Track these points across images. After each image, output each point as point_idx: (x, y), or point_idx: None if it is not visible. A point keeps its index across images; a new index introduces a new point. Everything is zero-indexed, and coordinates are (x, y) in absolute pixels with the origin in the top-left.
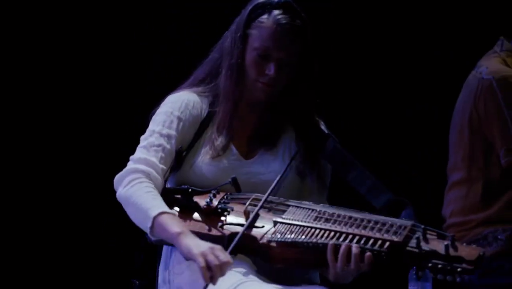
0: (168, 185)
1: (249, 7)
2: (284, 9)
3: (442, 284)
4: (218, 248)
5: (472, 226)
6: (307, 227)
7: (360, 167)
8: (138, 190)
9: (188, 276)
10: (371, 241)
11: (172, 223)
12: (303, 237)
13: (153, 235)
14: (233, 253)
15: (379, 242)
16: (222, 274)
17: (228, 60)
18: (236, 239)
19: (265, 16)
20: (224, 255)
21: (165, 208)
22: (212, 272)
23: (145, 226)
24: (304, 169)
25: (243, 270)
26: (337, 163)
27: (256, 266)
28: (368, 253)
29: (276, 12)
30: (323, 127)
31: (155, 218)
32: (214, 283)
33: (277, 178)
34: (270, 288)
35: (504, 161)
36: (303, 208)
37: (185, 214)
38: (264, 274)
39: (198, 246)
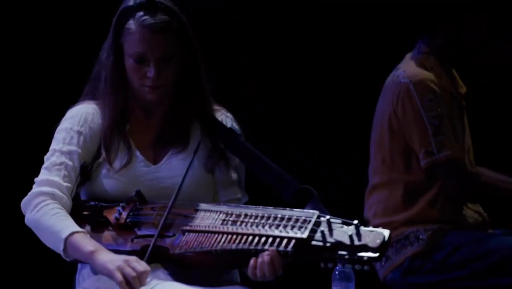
0: (83, 197)
1: (116, 16)
2: (146, 9)
3: (365, 283)
4: (133, 259)
5: (395, 226)
6: (215, 232)
7: (265, 159)
8: (45, 213)
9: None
10: (277, 241)
11: (84, 242)
12: (212, 244)
13: (67, 257)
14: (149, 263)
15: (285, 241)
16: (142, 284)
17: (104, 73)
18: (148, 251)
19: (130, 22)
20: (140, 265)
21: (75, 227)
22: (131, 284)
23: (58, 248)
24: (212, 164)
25: (161, 274)
26: (242, 157)
27: (174, 270)
28: (274, 253)
29: (139, 14)
30: (231, 120)
31: (66, 239)
32: None
33: (180, 184)
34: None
35: (423, 163)
36: (211, 211)
37: (96, 231)
38: (182, 277)
39: (113, 261)
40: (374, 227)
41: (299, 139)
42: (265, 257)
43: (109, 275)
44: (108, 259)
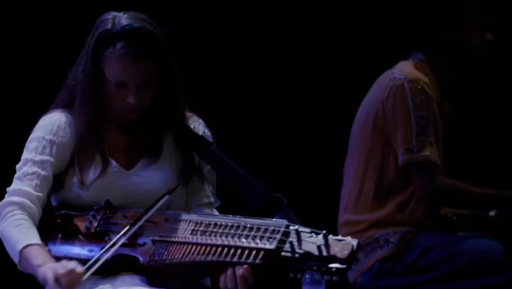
0: (54, 204)
1: (94, 37)
2: (126, 39)
3: (335, 287)
4: (70, 262)
5: (364, 228)
6: (184, 243)
7: (236, 167)
8: (9, 224)
9: None
10: (246, 252)
11: (35, 255)
12: (181, 256)
13: (23, 269)
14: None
15: (254, 252)
16: (72, 281)
17: (81, 86)
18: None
19: (110, 50)
20: (72, 264)
21: (32, 240)
22: (59, 281)
23: (16, 261)
24: (187, 177)
25: (129, 280)
26: (213, 164)
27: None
28: (246, 267)
29: (119, 45)
30: (203, 127)
31: (20, 252)
32: None
33: (159, 201)
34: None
35: (401, 159)
36: (181, 220)
37: (67, 239)
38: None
39: (52, 268)
40: (344, 223)
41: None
42: (236, 270)
43: (44, 279)
44: (48, 266)
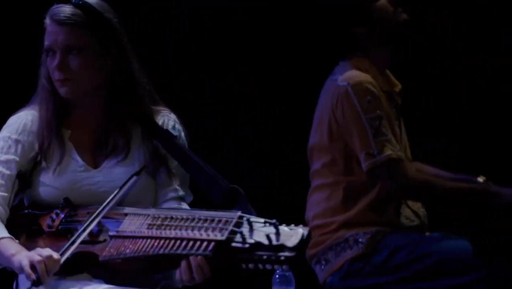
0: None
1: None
2: (58, 2)
3: (305, 287)
4: (45, 249)
5: (334, 228)
6: (139, 238)
7: (198, 161)
8: None
9: None
10: (197, 244)
11: (8, 246)
12: (136, 249)
13: None
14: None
15: (204, 244)
16: (49, 267)
17: (39, 83)
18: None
19: (46, 17)
20: (47, 251)
21: (2, 234)
22: (36, 268)
23: None
24: (153, 169)
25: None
26: (176, 158)
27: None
28: (200, 258)
29: (51, 8)
30: (173, 121)
31: None
32: (42, 279)
33: (115, 193)
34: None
35: (365, 165)
36: (139, 215)
37: (31, 239)
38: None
39: (27, 256)
40: (312, 228)
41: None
42: (191, 262)
43: (19, 266)
44: (23, 254)
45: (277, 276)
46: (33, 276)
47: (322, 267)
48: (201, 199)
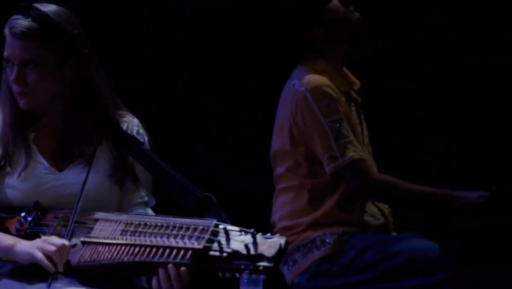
0: None
1: None
2: (17, 14)
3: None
4: (51, 237)
5: (301, 230)
6: (113, 244)
7: (167, 167)
8: None
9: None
10: (174, 252)
11: (1, 238)
12: (110, 256)
13: None
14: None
15: (182, 252)
16: (64, 257)
17: (2, 83)
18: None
19: (6, 27)
20: (58, 240)
21: None
22: (53, 260)
23: None
24: (118, 177)
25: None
26: (145, 164)
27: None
28: (171, 266)
29: (11, 19)
30: (137, 126)
31: None
32: (60, 269)
33: (79, 194)
34: None
35: (328, 169)
36: (111, 221)
37: None
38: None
39: (32, 245)
40: (279, 230)
41: None
42: (170, 270)
43: (31, 258)
44: (27, 245)
45: (244, 277)
46: (53, 269)
47: (290, 268)
48: (170, 206)
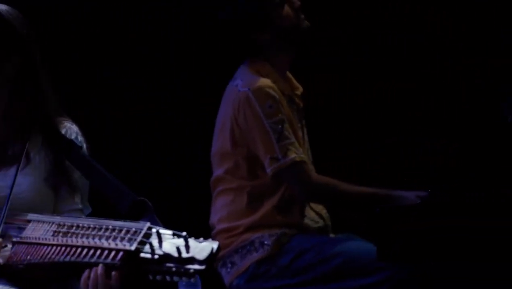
0: None
1: None
2: None
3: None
4: None
5: (240, 231)
6: (44, 244)
7: (103, 171)
8: None
9: None
10: (105, 253)
11: None
12: (40, 256)
13: None
14: None
15: (113, 253)
16: None
17: None
18: None
19: None
20: None
21: None
22: None
23: None
24: (53, 181)
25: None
26: (81, 169)
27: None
28: (102, 267)
29: None
30: (75, 133)
31: None
32: None
33: (8, 194)
34: None
35: (270, 170)
36: (44, 222)
37: None
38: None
39: None
40: (218, 232)
41: None
42: (98, 270)
43: None
44: None
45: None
46: None
47: (228, 270)
48: (106, 211)
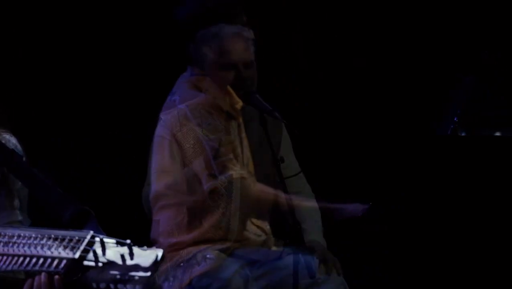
0: None
1: None
2: None
3: None
4: None
5: (182, 246)
6: None
7: (44, 180)
8: None
9: None
10: (48, 261)
11: None
12: None
13: None
14: None
15: (56, 261)
16: None
17: None
18: None
19: None
20: None
21: None
22: None
23: None
24: None
25: None
26: (21, 178)
27: None
28: (51, 276)
29: None
30: (14, 144)
31: None
32: None
33: None
34: None
35: (207, 186)
36: None
37: None
38: None
39: None
40: (168, 245)
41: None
42: (41, 278)
43: None
44: None
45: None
46: None
47: (170, 283)
48: (47, 221)
